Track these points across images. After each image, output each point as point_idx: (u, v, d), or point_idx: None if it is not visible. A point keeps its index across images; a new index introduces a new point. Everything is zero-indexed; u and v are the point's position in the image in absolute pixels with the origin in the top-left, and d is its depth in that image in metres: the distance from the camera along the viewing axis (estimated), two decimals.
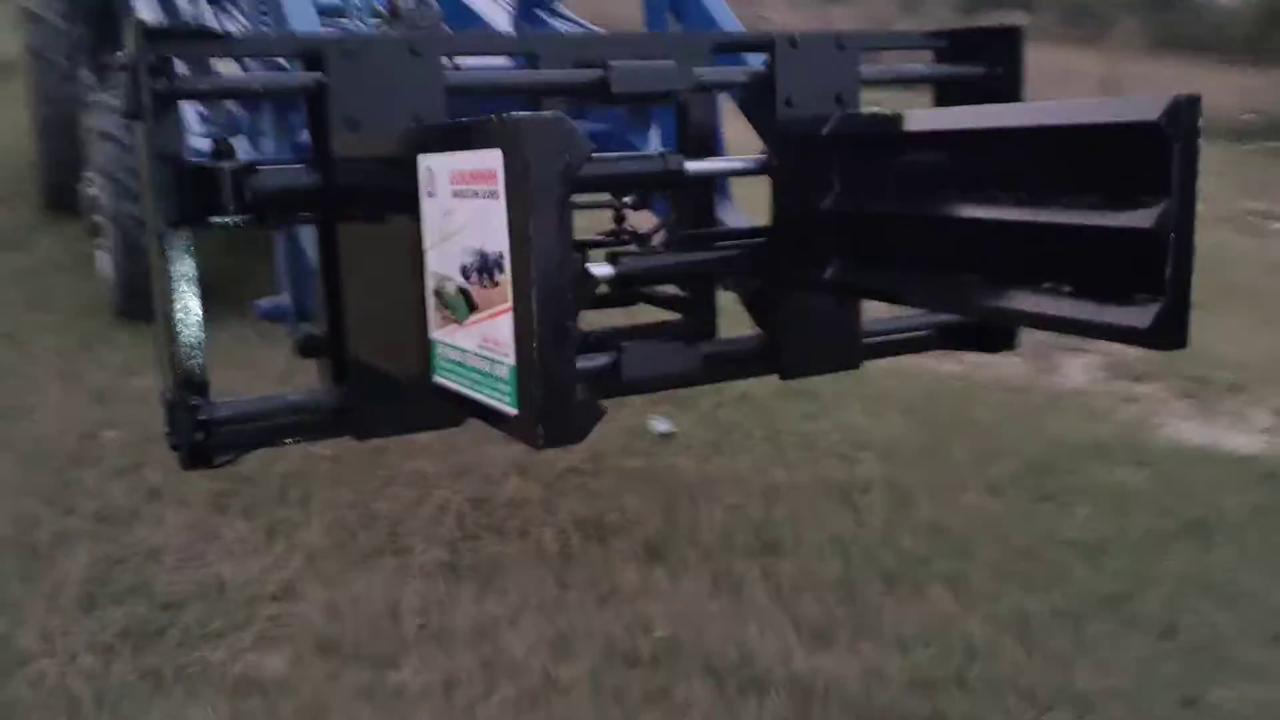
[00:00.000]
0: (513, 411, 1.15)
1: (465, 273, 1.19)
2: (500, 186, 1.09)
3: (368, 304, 1.62)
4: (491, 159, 1.09)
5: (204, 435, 1.71)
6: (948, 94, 2.22)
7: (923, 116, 1.75)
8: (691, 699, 2.32)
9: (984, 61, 2.18)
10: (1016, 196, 1.53)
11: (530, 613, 2.62)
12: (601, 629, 2.55)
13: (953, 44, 2.24)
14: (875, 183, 1.80)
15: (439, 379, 1.32)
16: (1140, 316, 1.33)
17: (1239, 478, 3.57)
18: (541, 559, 2.87)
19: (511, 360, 1.13)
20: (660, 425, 3.71)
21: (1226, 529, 3.18)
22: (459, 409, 1.32)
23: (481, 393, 1.20)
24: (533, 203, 1.06)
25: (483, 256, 1.14)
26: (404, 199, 1.34)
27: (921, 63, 2.28)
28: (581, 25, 3.76)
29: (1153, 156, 1.33)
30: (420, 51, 1.73)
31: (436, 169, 1.24)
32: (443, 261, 1.25)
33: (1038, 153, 1.53)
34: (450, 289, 1.23)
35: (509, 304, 1.10)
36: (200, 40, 1.76)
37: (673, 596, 2.72)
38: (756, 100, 2.04)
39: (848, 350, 2.09)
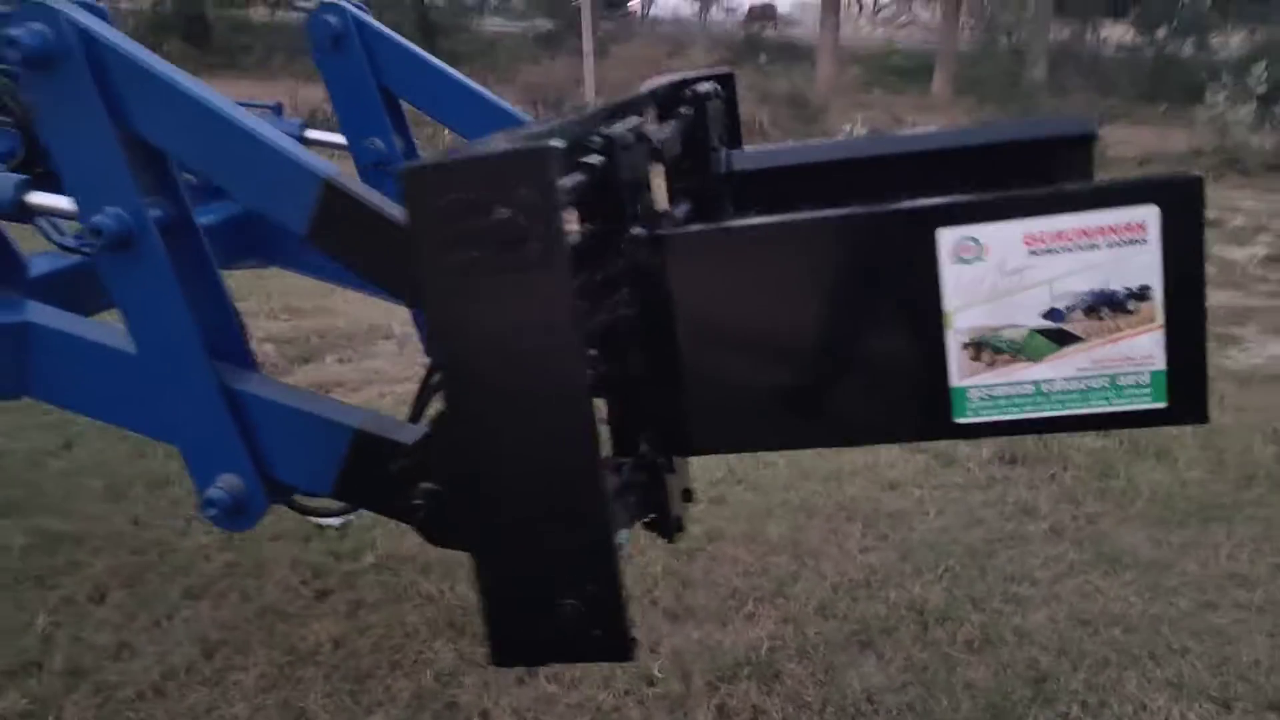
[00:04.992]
0: (1160, 405, 1.39)
1: (1058, 315, 1.39)
2: (1152, 235, 1.34)
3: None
4: (1137, 214, 1.33)
5: None
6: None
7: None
8: None
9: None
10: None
11: None
12: None
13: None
14: None
15: (970, 420, 1.46)
16: None
17: None
18: None
19: (1157, 366, 1.38)
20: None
21: None
22: (1009, 431, 1.46)
23: (1088, 407, 1.43)
24: (1201, 241, 1.34)
25: (1102, 295, 1.37)
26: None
27: None
28: None
29: (1082, 154, 1.98)
30: None
31: (988, 237, 1.39)
32: (996, 314, 1.41)
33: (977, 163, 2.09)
34: (1016, 334, 1.41)
35: (1155, 324, 1.36)
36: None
37: None
38: None
39: None
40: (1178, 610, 3.02)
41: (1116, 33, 22.74)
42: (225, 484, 1.81)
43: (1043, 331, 1.40)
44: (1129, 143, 12.99)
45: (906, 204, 1.54)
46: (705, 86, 2.30)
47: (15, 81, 2.52)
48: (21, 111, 2.48)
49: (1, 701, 2.55)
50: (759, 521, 3.50)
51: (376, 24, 2.79)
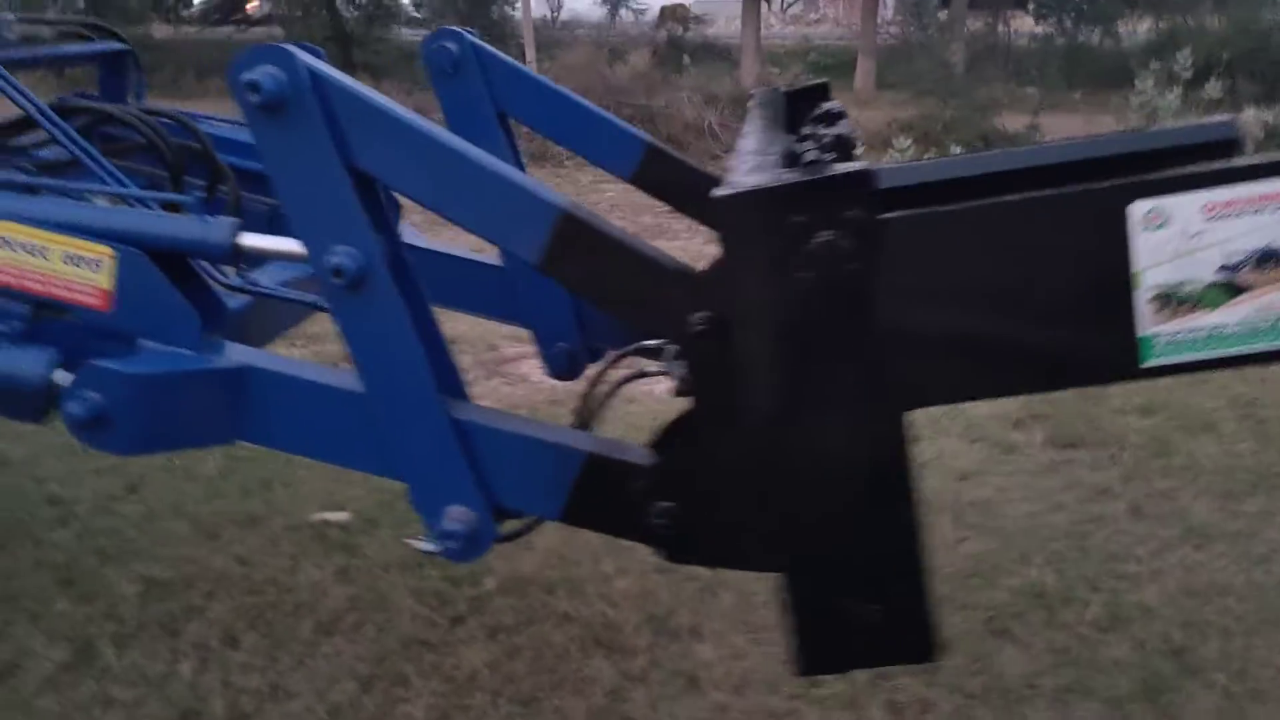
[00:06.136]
0: None
1: (1231, 269, 1.57)
2: None
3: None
4: None
5: None
6: None
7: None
8: None
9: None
10: None
11: None
12: None
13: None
14: None
15: (1155, 362, 1.64)
16: None
17: None
18: None
19: None
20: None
21: None
22: (1187, 370, 1.62)
23: (1254, 345, 1.61)
24: None
25: (1268, 251, 1.55)
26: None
27: None
28: None
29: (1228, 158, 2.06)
30: None
31: (1172, 207, 1.59)
32: (1177, 272, 1.60)
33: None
34: (1194, 288, 1.60)
35: None
36: None
37: None
38: None
39: None
40: (1276, 577, 3.19)
41: (1026, 24, 23.44)
42: (456, 515, 1.84)
43: (1218, 284, 1.59)
44: (1063, 130, 13.41)
45: (1102, 182, 1.69)
46: (833, 104, 2.40)
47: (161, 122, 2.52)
48: (172, 153, 2.46)
49: None
50: None
51: (491, 49, 2.82)
